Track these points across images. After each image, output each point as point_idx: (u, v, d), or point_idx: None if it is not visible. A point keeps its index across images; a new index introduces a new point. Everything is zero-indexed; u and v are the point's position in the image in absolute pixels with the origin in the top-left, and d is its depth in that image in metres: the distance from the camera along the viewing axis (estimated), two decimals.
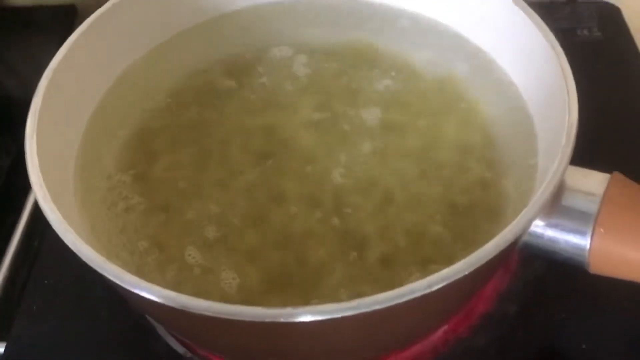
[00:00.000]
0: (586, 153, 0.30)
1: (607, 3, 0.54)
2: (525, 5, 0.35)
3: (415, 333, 0.31)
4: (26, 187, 0.46)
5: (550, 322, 0.36)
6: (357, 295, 0.29)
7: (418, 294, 0.24)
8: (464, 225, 0.32)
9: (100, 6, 0.36)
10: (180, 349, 0.36)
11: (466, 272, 0.25)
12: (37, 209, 0.45)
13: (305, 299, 0.30)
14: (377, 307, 0.24)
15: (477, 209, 0.33)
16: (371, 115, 0.37)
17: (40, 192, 0.28)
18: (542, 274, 0.37)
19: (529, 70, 0.35)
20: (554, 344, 0.35)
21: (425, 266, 0.31)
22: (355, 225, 0.33)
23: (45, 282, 0.39)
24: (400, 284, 0.30)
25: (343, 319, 0.24)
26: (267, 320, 0.24)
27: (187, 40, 0.40)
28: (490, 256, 0.25)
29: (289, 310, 0.24)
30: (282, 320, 0.24)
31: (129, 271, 0.26)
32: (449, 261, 0.30)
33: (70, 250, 0.27)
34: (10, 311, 0.39)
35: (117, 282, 0.25)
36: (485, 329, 0.35)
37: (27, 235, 0.44)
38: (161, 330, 0.36)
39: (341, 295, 0.30)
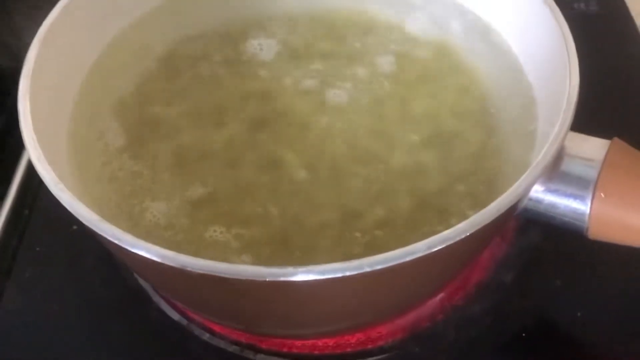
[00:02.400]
0: (585, 121, 0.30)
1: None
2: None
3: (413, 297, 0.31)
4: (16, 157, 0.46)
5: (546, 290, 0.36)
6: (353, 257, 0.30)
7: (419, 254, 0.24)
8: (463, 191, 0.32)
9: None
10: (174, 315, 0.35)
11: (467, 234, 0.25)
12: (27, 178, 0.45)
13: (302, 261, 0.29)
14: (379, 266, 0.23)
15: (476, 175, 0.33)
16: (367, 81, 0.37)
17: (34, 153, 0.28)
18: (538, 242, 0.37)
19: (526, 35, 0.35)
20: (549, 312, 0.36)
21: (422, 231, 0.31)
22: (353, 191, 0.32)
23: (37, 249, 0.39)
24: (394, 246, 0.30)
25: (344, 278, 0.24)
26: (267, 279, 0.24)
27: (183, 4, 0.39)
28: (491, 218, 0.25)
29: (289, 269, 0.24)
30: (282, 279, 0.24)
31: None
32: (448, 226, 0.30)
33: (61, 215, 0.27)
34: (1, 280, 0.38)
35: (116, 242, 0.25)
36: (482, 297, 0.36)
37: (18, 204, 0.43)
38: (155, 297, 0.36)
39: (337, 257, 0.30)
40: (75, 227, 0.38)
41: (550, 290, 0.36)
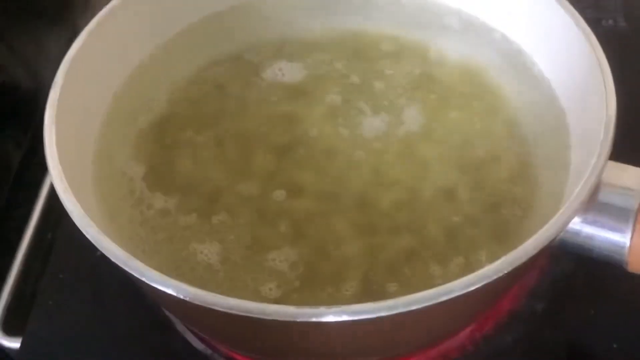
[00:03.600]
0: (620, 147, 0.29)
1: None
2: None
3: (445, 331, 0.30)
4: (38, 180, 0.46)
5: (579, 320, 0.35)
6: (381, 290, 0.29)
7: (456, 294, 0.23)
8: (495, 220, 0.31)
9: None
10: (199, 345, 0.35)
11: (505, 272, 0.24)
12: (50, 201, 0.45)
13: (331, 294, 0.29)
14: (414, 307, 0.23)
15: (508, 204, 0.32)
16: (393, 106, 0.36)
17: (60, 185, 0.27)
18: (570, 271, 0.36)
19: (560, 61, 0.34)
20: (583, 342, 0.35)
21: (454, 262, 0.30)
22: (380, 220, 0.32)
23: (61, 276, 0.39)
24: (429, 281, 0.30)
25: (377, 319, 0.23)
26: (298, 319, 0.23)
27: (205, 29, 0.39)
28: (529, 255, 0.24)
29: (321, 309, 0.23)
30: (314, 319, 0.23)
31: (151, 265, 0.25)
32: (483, 257, 0.30)
33: (85, 242, 0.26)
34: (25, 306, 0.38)
35: (142, 279, 0.24)
36: (513, 327, 0.35)
37: (41, 228, 0.43)
38: (179, 326, 0.35)
39: (365, 290, 0.29)
40: (99, 253, 0.37)
41: (583, 320, 0.35)
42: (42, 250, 0.42)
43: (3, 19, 0.56)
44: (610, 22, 0.49)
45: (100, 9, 0.35)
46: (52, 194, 0.43)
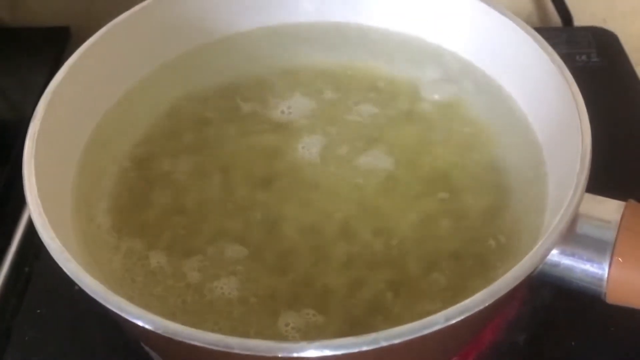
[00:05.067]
0: (596, 179, 0.29)
1: (604, 29, 0.54)
2: (532, 30, 0.35)
3: None
4: (16, 214, 0.46)
5: (560, 351, 0.35)
6: (364, 323, 0.29)
7: (438, 327, 0.23)
8: (475, 252, 0.31)
9: (94, 28, 0.36)
10: None
11: (485, 305, 0.24)
12: (28, 235, 0.44)
13: (313, 325, 0.29)
14: (396, 340, 0.23)
15: (487, 236, 0.32)
16: (374, 138, 0.37)
17: (39, 220, 0.27)
18: (550, 302, 0.36)
19: (536, 95, 0.35)
20: None
21: (435, 295, 0.30)
22: (360, 252, 0.32)
23: (38, 311, 0.38)
24: (411, 314, 0.30)
25: (359, 353, 0.23)
26: (280, 354, 0.23)
27: (187, 62, 0.39)
28: (509, 288, 0.24)
29: (303, 344, 0.23)
30: (295, 354, 0.23)
31: (131, 298, 0.25)
32: (463, 290, 0.30)
33: (63, 277, 0.26)
34: (1, 342, 0.37)
35: (122, 314, 0.24)
36: (495, 359, 0.35)
37: (18, 262, 0.43)
38: None
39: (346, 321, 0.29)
40: (77, 287, 0.37)
41: (564, 351, 0.35)
42: (19, 285, 0.42)
43: None
44: (584, 57, 0.50)
45: (82, 42, 0.35)
46: (30, 227, 0.42)
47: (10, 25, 0.58)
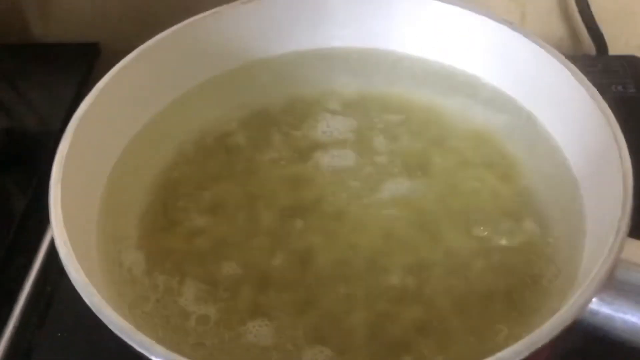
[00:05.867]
0: (636, 220, 0.28)
1: (637, 57, 0.53)
2: (569, 63, 0.34)
3: None
4: (41, 229, 0.46)
5: None
6: None
7: None
8: (508, 294, 0.30)
9: (123, 45, 0.35)
10: None
11: (522, 356, 0.23)
12: (51, 252, 0.44)
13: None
14: None
15: (520, 278, 0.31)
16: (405, 170, 0.36)
17: (63, 249, 0.27)
18: (581, 345, 0.35)
19: (572, 129, 0.34)
20: None
21: (465, 337, 0.29)
22: (388, 289, 0.31)
23: (58, 334, 0.38)
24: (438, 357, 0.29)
25: None
26: None
27: (216, 87, 0.39)
28: (547, 339, 0.24)
29: None
30: None
31: (156, 336, 0.24)
32: (495, 334, 0.29)
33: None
34: None
35: (146, 354, 0.23)
36: None
37: (41, 280, 0.42)
38: None
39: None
40: None
41: None
42: (41, 303, 0.41)
43: (13, 65, 0.57)
44: (620, 87, 0.49)
45: (111, 58, 0.35)
46: (54, 245, 0.42)
47: (41, 41, 0.59)
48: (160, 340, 0.24)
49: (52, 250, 0.43)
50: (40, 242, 0.44)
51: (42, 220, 0.45)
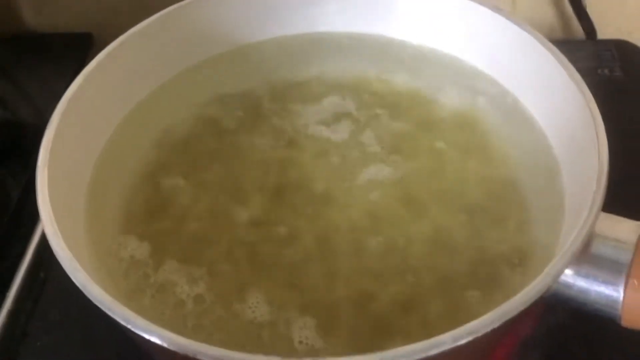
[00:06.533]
0: (612, 198, 0.29)
1: (627, 42, 0.53)
2: (552, 46, 0.34)
3: None
4: (35, 216, 0.46)
5: None
6: (370, 341, 0.29)
7: (445, 347, 0.23)
8: (488, 270, 0.31)
9: (116, 35, 0.36)
10: None
11: (495, 326, 0.23)
12: (44, 239, 0.44)
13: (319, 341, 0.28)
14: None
15: (500, 253, 0.31)
16: (390, 150, 0.36)
17: (50, 229, 0.27)
18: (566, 320, 0.35)
19: (554, 111, 0.34)
20: None
21: (446, 312, 0.30)
22: (372, 266, 0.32)
23: (51, 317, 0.38)
24: (419, 332, 0.29)
25: None
26: None
27: (205, 71, 0.39)
28: (520, 309, 0.24)
29: None
30: None
31: (142, 312, 0.25)
32: (474, 308, 0.29)
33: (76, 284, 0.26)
34: (14, 347, 0.38)
35: (129, 326, 0.24)
36: None
37: (34, 266, 0.43)
38: None
39: (357, 339, 0.29)
40: None
41: None
42: (34, 290, 0.42)
43: (6, 55, 0.57)
44: (606, 71, 0.49)
45: (102, 50, 0.35)
46: None
47: (34, 31, 0.59)
48: (142, 314, 0.24)
49: (45, 240, 0.44)
50: (33, 231, 0.45)
51: (35, 210, 0.46)
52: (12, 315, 0.41)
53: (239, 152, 0.36)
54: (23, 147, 0.51)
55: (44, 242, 0.43)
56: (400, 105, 0.38)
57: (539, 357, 0.35)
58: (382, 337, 0.29)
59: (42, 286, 0.41)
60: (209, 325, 0.29)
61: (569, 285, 0.27)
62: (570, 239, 0.26)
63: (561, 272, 0.26)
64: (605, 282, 0.27)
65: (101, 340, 0.36)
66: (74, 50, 0.57)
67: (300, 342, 0.29)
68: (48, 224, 0.27)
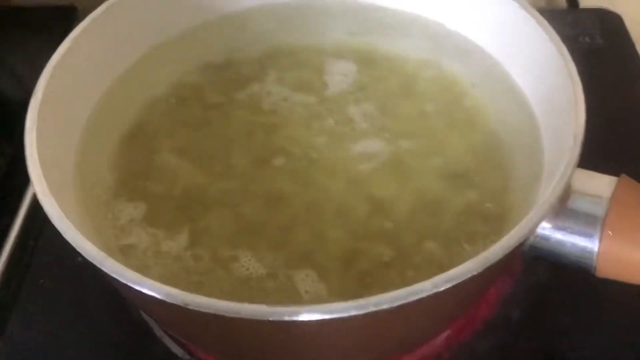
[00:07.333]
0: (591, 157, 0.30)
1: (609, 11, 0.54)
2: (532, 9, 0.35)
3: (418, 335, 0.31)
4: (22, 189, 0.46)
5: (554, 328, 0.35)
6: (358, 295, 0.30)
7: (425, 294, 0.24)
8: (468, 227, 0.32)
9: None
10: (177, 350, 0.35)
11: (473, 273, 0.24)
12: (33, 209, 0.45)
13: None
14: (385, 306, 0.23)
15: (483, 210, 0.32)
16: (372, 115, 0.37)
17: (39, 186, 0.28)
18: (546, 279, 0.36)
19: (534, 73, 0.35)
20: (557, 350, 0.35)
21: (430, 266, 0.31)
22: (358, 225, 0.32)
23: (41, 281, 0.39)
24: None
25: (348, 318, 0.23)
26: (270, 318, 0.23)
27: (190, 38, 0.40)
28: (498, 257, 0.25)
29: (293, 308, 0.23)
30: (286, 318, 0.23)
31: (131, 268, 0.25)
32: (454, 264, 0.30)
33: (66, 249, 0.27)
34: (5, 312, 0.38)
35: (118, 278, 0.25)
36: (488, 335, 0.35)
37: (23, 235, 0.43)
38: (158, 332, 0.36)
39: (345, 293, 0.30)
40: (80, 259, 0.37)
41: (559, 327, 0.35)
42: (24, 258, 0.42)
43: None
44: (587, 38, 0.50)
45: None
46: (35, 202, 0.43)
47: (18, 4, 0.59)
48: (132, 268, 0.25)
49: (33, 209, 0.44)
50: (21, 201, 0.45)
51: (22, 181, 0.46)
52: (3, 281, 0.41)
53: (225, 118, 0.37)
54: (7, 121, 0.50)
55: (32, 212, 0.44)
56: (383, 70, 0.39)
57: (520, 313, 0.36)
58: (368, 290, 0.30)
59: (31, 254, 0.41)
60: (198, 279, 0.30)
61: (546, 238, 0.28)
62: (547, 192, 0.27)
63: (537, 223, 0.27)
64: (581, 234, 0.28)
65: (90, 302, 0.37)
66: (58, 23, 0.57)
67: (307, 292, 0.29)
68: (37, 182, 0.28)
